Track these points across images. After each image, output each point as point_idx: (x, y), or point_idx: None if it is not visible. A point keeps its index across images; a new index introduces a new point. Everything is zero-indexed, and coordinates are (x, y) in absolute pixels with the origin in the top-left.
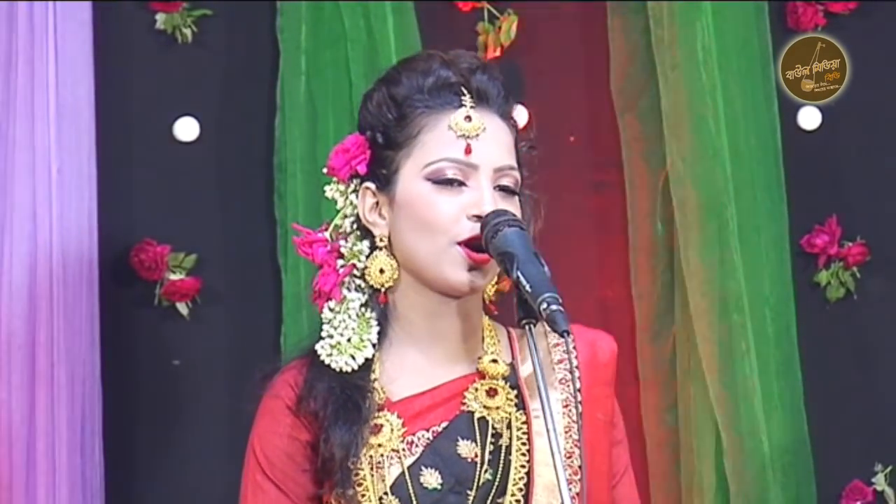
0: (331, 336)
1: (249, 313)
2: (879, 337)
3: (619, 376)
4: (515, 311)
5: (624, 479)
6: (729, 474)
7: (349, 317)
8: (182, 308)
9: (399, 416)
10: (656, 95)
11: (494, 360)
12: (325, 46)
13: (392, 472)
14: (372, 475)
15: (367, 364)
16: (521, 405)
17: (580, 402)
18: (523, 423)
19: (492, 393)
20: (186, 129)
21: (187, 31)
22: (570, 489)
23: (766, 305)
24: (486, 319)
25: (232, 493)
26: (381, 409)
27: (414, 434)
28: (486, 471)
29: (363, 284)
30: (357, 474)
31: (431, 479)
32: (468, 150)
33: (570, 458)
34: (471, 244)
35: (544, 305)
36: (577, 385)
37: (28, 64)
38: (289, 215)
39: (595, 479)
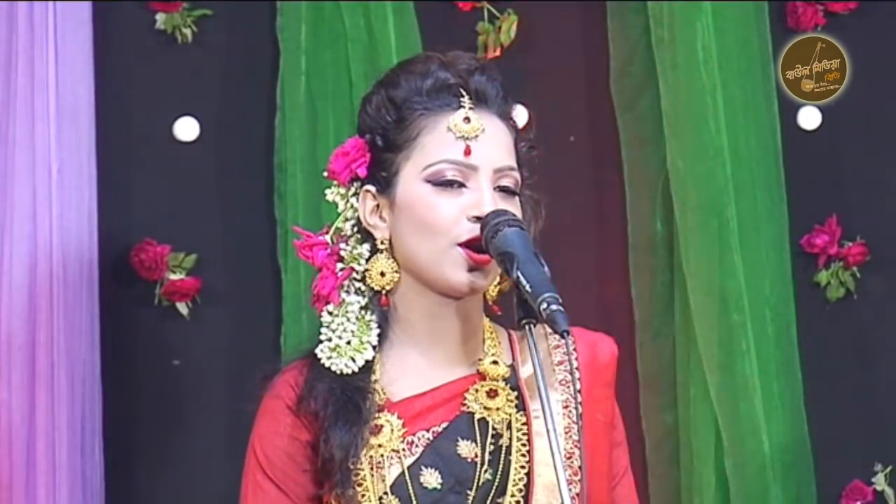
0: (329, 339)
1: (249, 313)
2: (879, 337)
3: (618, 376)
4: (515, 311)
5: (623, 481)
6: (729, 474)
7: (348, 320)
8: (182, 308)
9: (399, 417)
10: (656, 95)
11: (495, 362)
12: (325, 46)
13: (392, 472)
14: (372, 475)
15: (368, 366)
16: (522, 406)
17: (580, 403)
18: (523, 423)
19: (492, 394)
20: (186, 129)
21: (187, 31)
22: (569, 489)
23: (766, 305)
24: (486, 321)
25: (232, 492)
26: (381, 409)
27: (414, 434)
28: (485, 471)
29: (363, 287)
30: (357, 474)
31: (431, 478)
32: (467, 152)
33: (570, 458)
34: (471, 245)
35: (544, 305)
36: (578, 386)
37: (28, 64)
38: (289, 215)
39: (595, 479)
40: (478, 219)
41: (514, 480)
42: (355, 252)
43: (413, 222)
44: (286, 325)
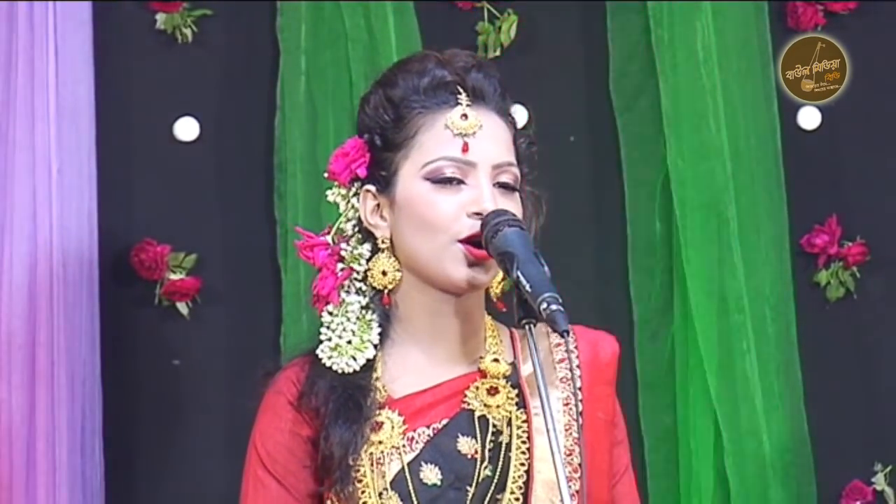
0: (330, 339)
1: (249, 313)
2: (879, 337)
3: (618, 376)
4: (516, 310)
5: (624, 479)
6: (729, 474)
7: (348, 319)
8: (182, 308)
9: (400, 414)
10: (656, 95)
11: (496, 360)
12: (325, 46)
13: (392, 468)
14: (372, 471)
15: (369, 364)
16: (522, 403)
17: (581, 401)
18: (524, 421)
19: (493, 391)
20: (186, 129)
21: (187, 31)
22: (569, 487)
23: (766, 305)
24: (488, 319)
25: (232, 492)
26: (382, 406)
27: (414, 431)
28: (485, 467)
29: (364, 287)
30: (357, 471)
31: (431, 474)
32: (465, 148)
33: (570, 455)
34: (471, 241)
35: (544, 305)
36: (578, 384)
37: (28, 64)
38: (289, 215)
39: (595, 477)
40: (477, 215)
41: (513, 477)
42: (356, 252)
43: (413, 220)
44: (286, 325)
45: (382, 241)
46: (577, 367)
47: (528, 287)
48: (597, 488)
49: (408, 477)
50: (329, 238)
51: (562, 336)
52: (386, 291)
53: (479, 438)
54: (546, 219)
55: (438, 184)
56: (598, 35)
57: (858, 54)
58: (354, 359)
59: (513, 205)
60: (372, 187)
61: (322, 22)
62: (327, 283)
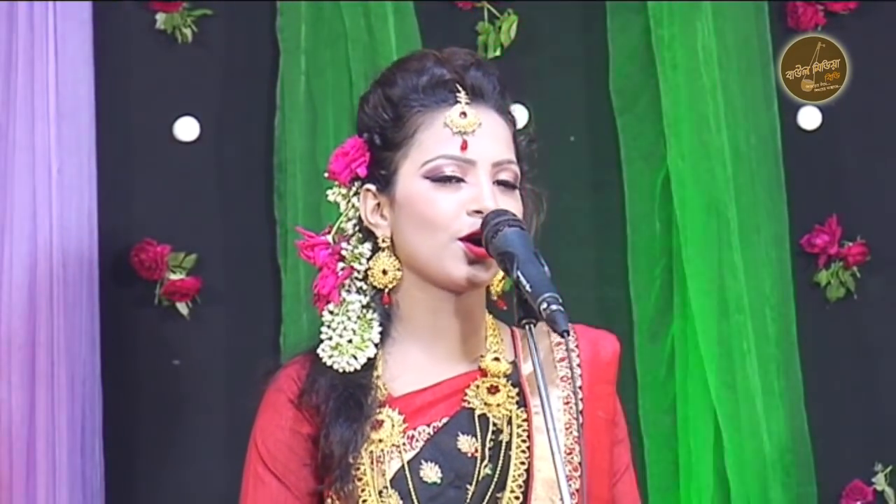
0: (330, 338)
1: (249, 313)
2: (879, 337)
3: (618, 375)
4: (516, 311)
5: (625, 478)
6: (729, 474)
7: (349, 318)
8: (182, 308)
9: (400, 413)
10: (656, 95)
11: (496, 359)
12: (325, 46)
13: (392, 467)
14: (372, 469)
15: (370, 362)
16: (523, 402)
17: (581, 400)
18: (524, 419)
19: (493, 390)
20: (186, 129)
21: (187, 31)
22: (569, 485)
23: (766, 305)
24: (489, 318)
25: (232, 492)
26: (382, 405)
27: (414, 429)
28: (485, 465)
29: (364, 286)
30: (357, 469)
31: (431, 473)
32: (464, 147)
33: (570, 454)
34: (472, 239)
35: (544, 305)
36: (579, 383)
37: (28, 64)
38: (288, 215)
39: (595, 476)
40: (477, 213)
41: (513, 476)
42: (357, 251)
43: (413, 219)
44: (286, 325)
45: (383, 241)
46: (578, 365)
47: (528, 287)
48: (597, 487)
49: (408, 475)
50: (330, 238)
51: (562, 336)
52: (386, 290)
53: (479, 437)
54: (546, 218)
55: (438, 182)
56: (598, 35)
57: (858, 54)
58: (355, 357)
59: (513, 202)
60: (372, 186)
61: (322, 22)
62: (328, 282)
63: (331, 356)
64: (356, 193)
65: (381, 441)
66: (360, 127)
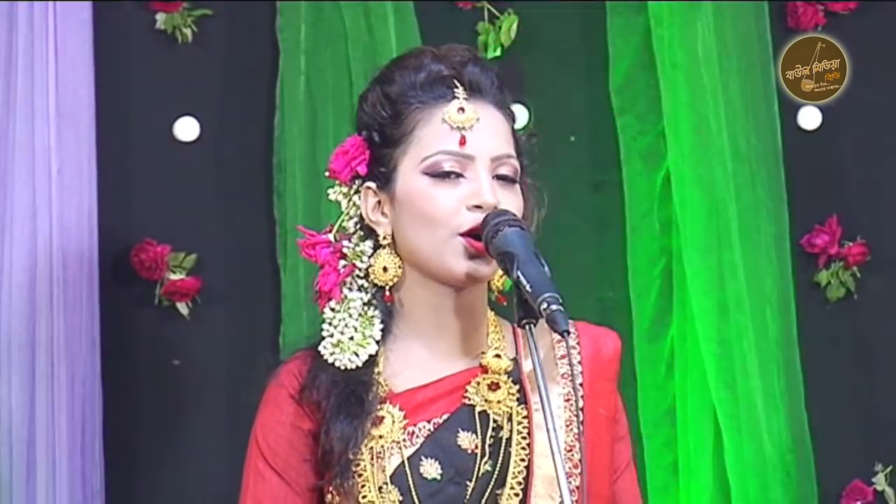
0: (332, 335)
1: (249, 313)
2: (879, 337)
3: (619, 372)
4: (516, 310)
5: (625, 475)
6: (729, 474)
7: (350, 315)
8: (182, 308)
9: (401, 409)
10: (656, 95)
11: (497, 356)
12: (325, 46)
13: (392, 463)
14: (372, 465)
15: (372, 360)
16: (523, 399)
17: (582, 397)
18: (524, 416)
19: (493, 387)
20: (186, 129)
21: (187, 31)
22: (569, 482)
23: (766, 305)
24: (490, 315)
25: (232, 491)
26: (383, 401)
27: (415, 425)
28: (485, 462)
29: (366, 284)
30: (358, 465)
31: (431, 469)
32: (463, 142)
33: (570, 451)
34: (472, 235)
35: (544, 305)
36: (579, 380)
37: (28, 64)
38: (288, 215)
39: (596, 473)
40: (477, 208)
41: (513, 472)
42: (358, 249)
43: (413, 215)
44: (285, 325)
45: (384, 238)
46: (579, 363)
47: (528, 287)
48: (598, 484)
49: (408, 471)
50: (331, 236)
51: (562, 336)
52: (388, 288)
53: (479, 433)
54: (546, 219)
55: (437, 178)
56: (598, 35)
57: (858, 54)
58: (357, 355)
59: (513, 197)
60: (372, 184)
61: (322, 22)
62: (329, 279)
63: (332, 353)
64: (357, 192)
65: (381, 437)
66: (359, 125)
